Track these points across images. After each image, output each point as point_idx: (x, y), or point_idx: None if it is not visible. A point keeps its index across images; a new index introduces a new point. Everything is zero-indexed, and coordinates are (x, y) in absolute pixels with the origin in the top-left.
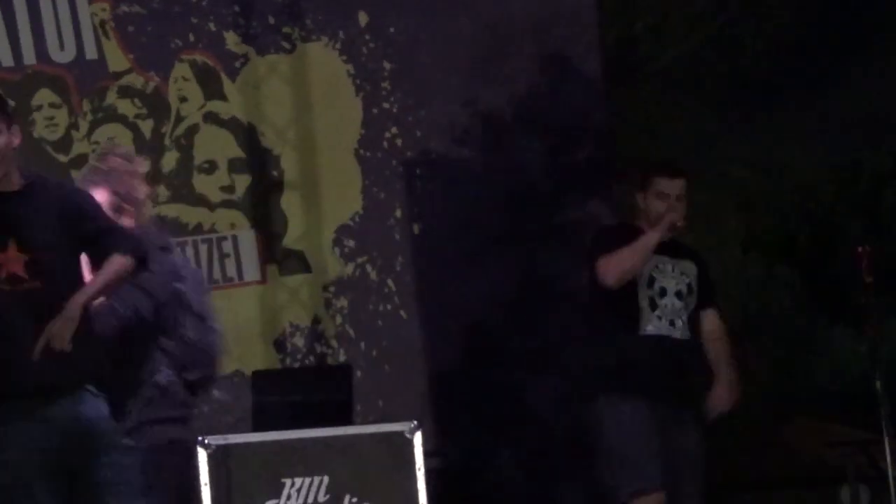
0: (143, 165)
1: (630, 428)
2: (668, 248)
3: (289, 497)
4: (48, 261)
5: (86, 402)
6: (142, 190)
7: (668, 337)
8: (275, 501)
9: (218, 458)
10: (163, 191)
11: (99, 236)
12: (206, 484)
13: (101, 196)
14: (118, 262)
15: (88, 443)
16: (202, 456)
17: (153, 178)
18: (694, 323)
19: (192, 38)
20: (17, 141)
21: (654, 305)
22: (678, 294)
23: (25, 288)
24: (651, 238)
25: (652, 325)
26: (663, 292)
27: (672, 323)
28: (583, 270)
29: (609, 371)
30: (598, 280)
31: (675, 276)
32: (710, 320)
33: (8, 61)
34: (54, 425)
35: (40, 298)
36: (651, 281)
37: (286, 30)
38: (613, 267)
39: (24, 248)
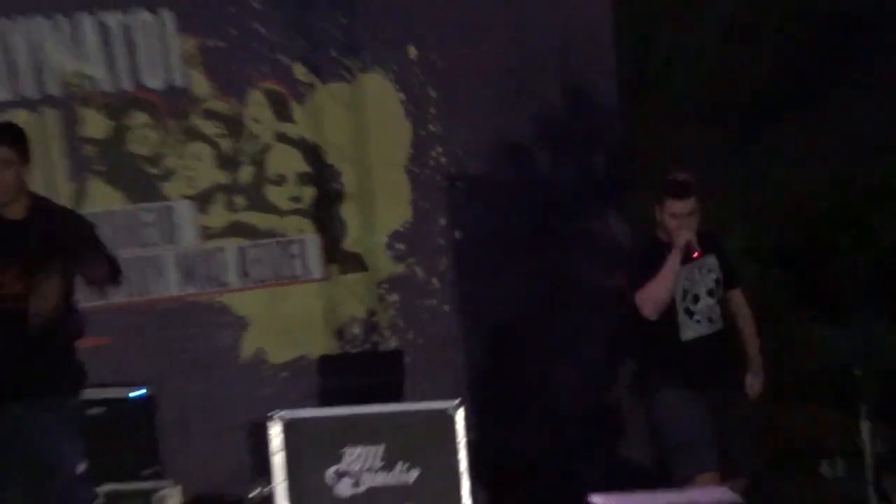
0: None
1: (685, 419)
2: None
3: (349, 463)
4: (45, 283)
5: (32, 414)
6: None
7: (707, 335)
8: (337, 467)
9: (288, 431)
10: (241, 200)
11: (88, 257)
12: (278, 452)
13: None
14: (105, 264)
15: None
16: (275, 428)
17: (232, 189)
18: (723, 306)
19: (265, 69)
20: (27, 174)
21: (690, 313)
22: (710, 292)
23: (22, 306)
24: (673, 263)
25: (692, 331)
26: (696, 299)
27: (710, 319)
28: (620, 289)
29: (658, 374)
30: (639, 312)
31: (704, 277)
32: (736, 299)
33: (108, 87)
34: None
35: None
36: (684, 294)
37: (347, 62)
38: (649, 301)
39: (25, 271)
